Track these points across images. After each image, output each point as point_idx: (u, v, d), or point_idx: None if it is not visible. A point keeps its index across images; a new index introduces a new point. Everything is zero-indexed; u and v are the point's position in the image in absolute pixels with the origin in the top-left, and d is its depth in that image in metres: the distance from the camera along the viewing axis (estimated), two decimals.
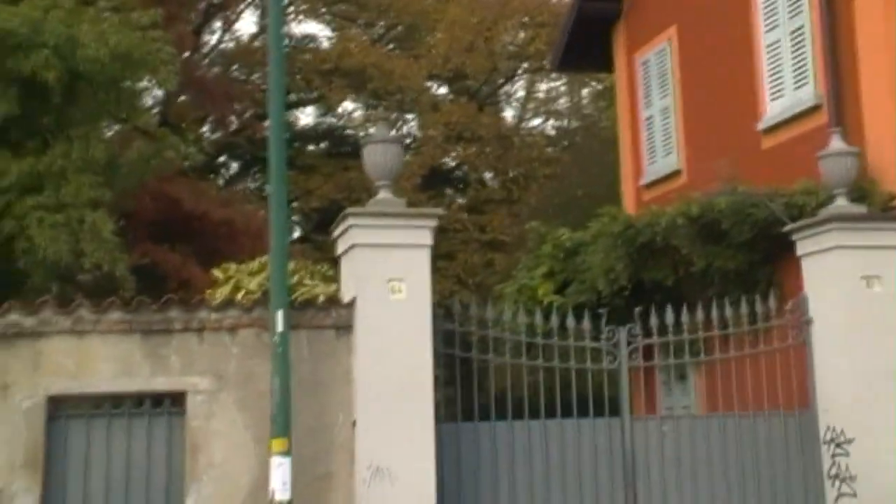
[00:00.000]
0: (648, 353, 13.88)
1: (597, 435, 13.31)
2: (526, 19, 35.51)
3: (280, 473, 11.31)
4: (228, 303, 12.82)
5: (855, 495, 13.28)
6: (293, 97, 34.11)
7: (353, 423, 12.21)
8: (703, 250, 15.39)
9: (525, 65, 37.14)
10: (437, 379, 12.47)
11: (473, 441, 12.90)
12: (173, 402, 12.06)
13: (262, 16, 33.54)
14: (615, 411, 13.48)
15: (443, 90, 37.08)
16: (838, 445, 13.50)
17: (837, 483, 13.49)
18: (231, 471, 11.93)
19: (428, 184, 32.64)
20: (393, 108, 34.81)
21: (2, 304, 11.92)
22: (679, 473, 13.49)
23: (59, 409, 11.77)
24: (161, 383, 12.03)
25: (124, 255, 15.75)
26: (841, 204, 13.87)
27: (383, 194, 12.68)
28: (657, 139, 19.59)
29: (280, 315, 11.64)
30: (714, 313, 13.85)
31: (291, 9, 34.13)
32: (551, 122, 39.20)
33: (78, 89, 15.19)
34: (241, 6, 35.21)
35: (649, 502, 13.33)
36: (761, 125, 16.52)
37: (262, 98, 31.29)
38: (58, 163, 14.41)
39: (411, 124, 35.69)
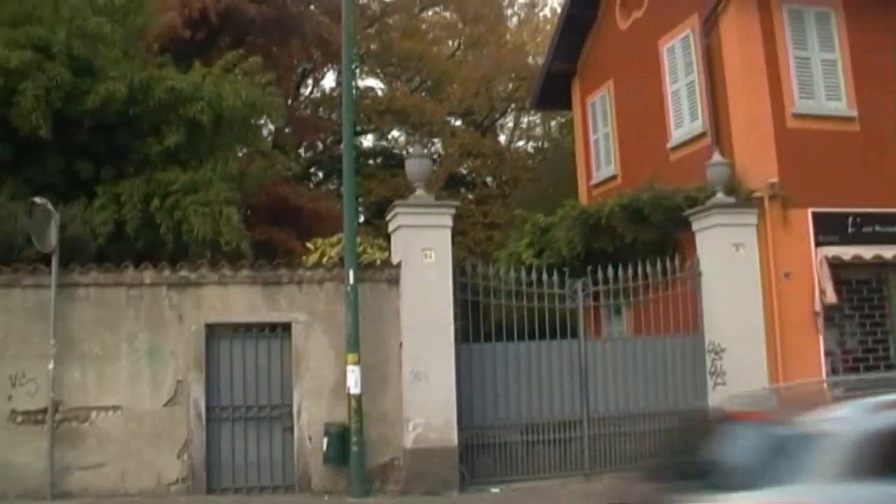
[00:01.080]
0: (596, 297, 14.01)
1: (562, 350, 13.46)
2: (513, 75, 35.36)
3: (353, 376, 11.63)
4: (317, 265, 13.09)
5: (725, 384, 13.47)
6: (358, 128, 34.07)
7: (401, 344, 12.40)
8: (631, 228, 15.26)
9: (513, 105, 36.95)
10: (455, 314, 12.62)
11: (479, 355, 13.03)
12: (283, 329, 12.30)
13: (339, 75, 33.53)
14: (574, 335, 13.62)
15: (458, 122, 36.91)
16: (716, 353, 13.72)
17: (715, 377, 13.73)
18: (321, 373, 12.18)
19: (448, 185, 32.57)
20: (424, 135, 34.65)
21: (175, 264, 12.27)
22: (615, 375, 13.67)
23: (213, 331, 12.09)
24: (275, 317, 12.29)
25: (247, 234, 15.89)
26: (720, 197, 14.00)
27: (419, 192, 12.82)
28: (601, 154, 19.48)
29: (351, 272, 11.92)
30: (639, 270, 14.00)
31: (357, 70, 34.09)
32: (531, 143, 39.01)
33: (222, 126, 15.30)
34: (325, 69, 35.19)
35: (596, 394, 13.48)
36: (669, 145, 16.44)
37: (338, 129, 31.20)
38: (207, 174, 14.52)
39: (437, 145, 35.52)
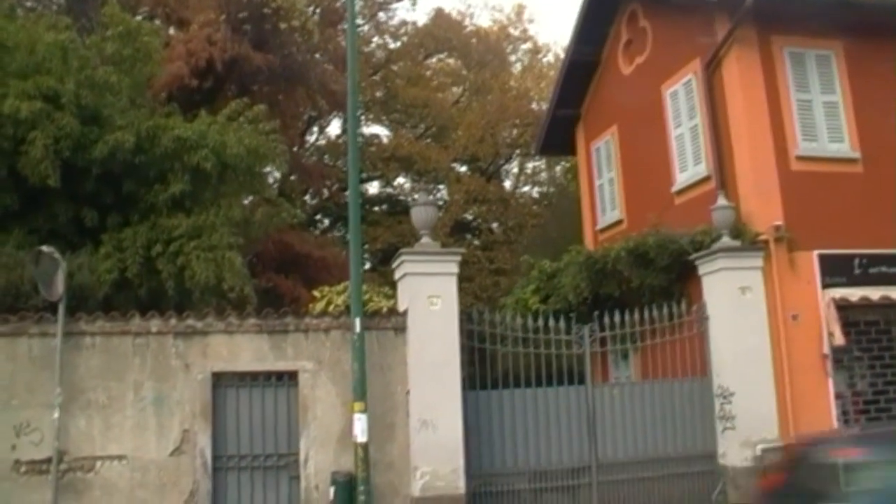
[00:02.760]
0: (603, 342, 13.95)
1: (569, 396, 13.41)
2: (517, 121, 35.55)
3: (360, 424, 11.52)
4: (323, 312, 13.11)
5: (734, 429, 13.43)
6: (364, 175, 34.25)
7: (408, 392, 12.34)
8: (637, 272, 15.24)
9: (518, 150, 37.12)
10: (462, 361, 12.58)
11: (486, 402, 12.99)
12: (289, 377, 12.27)
13: (344, 123, 33.76)
14: (581, 381, 13.55)
15: (463, 168, 37.07)
16: (724, 397, 13.65)
17: (723, 421, 13.65)
18: (327, 422, 12.12)
19: (454, 231, 32.67)
20: (430, 181, 34.84)
21: (180, 311, 12.27)
22: (623, 420, 13.59)
23: (220, 380, 12.05)
24: (282, 365, 12.25)
25: (252, 280, 15.87)
26: (725, 240, 14.01)
27: (425, 239, 12.83)
28: (606, 198, 19.53)
29: (357, 320, 11.87)
30: (646, 314, 13.97)
31: (362, 117, 34.32)
32: (536, 188, 39.14)
33: (226, 174, 15.34)
34: (330, 116, 35.46)
35: (604, 440, 13.39)
36: (674, 188, 16.50)
37: (343, 176, 31.45)
38: (210, 219, 14.52)
39: (442, 192, 35.66)
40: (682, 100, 16.33)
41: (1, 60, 14.24)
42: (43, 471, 11.22)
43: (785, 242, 14.10)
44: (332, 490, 11.65)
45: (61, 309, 11.53)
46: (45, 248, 11.84)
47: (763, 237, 14.11)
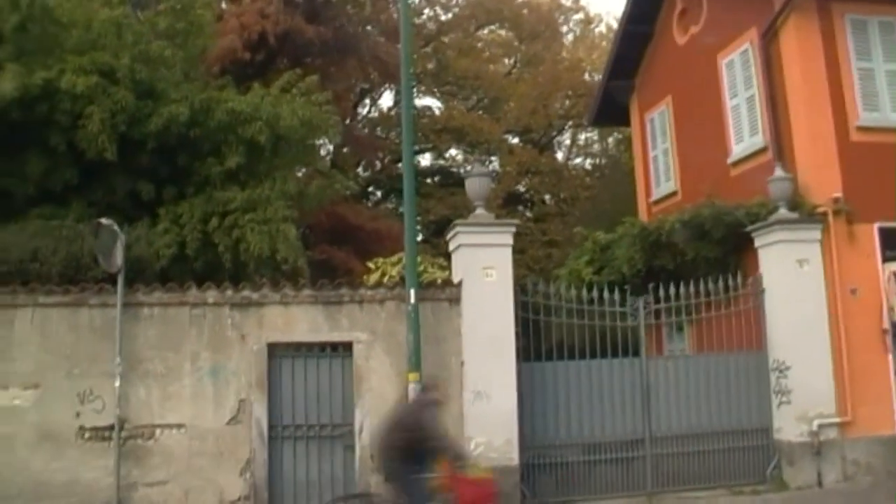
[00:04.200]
0: (658, 314, 13.91)
1: (623, 369, 13.39)
2: (570, 92, 35.28)
3: (414, 395, 11.59)
4: (378, 284, 13.18)
5: (790, 403, 13.33)
6: (416, 147, 34.29)
7: (462, 363, 12.40)
8: (692, 245, 15.11)
9: (570, 122, 36.88)
10: (516, 333, 12.60)
11: (540, 374, 13.00)
12: (344, 348, 12.39)
13: (396, 94, 33.82)
14: (636, 353, 13.52)
15: (515, 140, 36.94)
16: (780, 371, 13.52)
17: (779, 395, 13.53)
18: (382, 392, 12.19)
19: (506, 203, 32.58)
20: (482, 153, 34.75)
21: (237, 284, 12.43)
22: (678, 393, 13.55)
23: (275, 350, 12.21)
24: (336, 336, 12.38)
25: (306, 252, 15.99)
26: (782, 212, 13.83)
27: (479, 210, 12.83)
28: (661, 170, 19.39)
29: (412, 291, 11.94)
30: (700, 287, 13.88)
31: (414, 89, 34.34)
32: (588, 160, 38.90)
33: (280, 146, 15.44)
34: (382, 89, 35.50)
35: (658, 413, 13.38)
36: (730, 160, 16.30)
37: (396, 148, 31.56)
38: (265, 193, 14.65)
39: (494, 163, 35.54)
40: (738, 70, 16.10)
41: (58, 37, 14.44)
42: (105, 437, 11.53)
43: (844, 215, 13.87)
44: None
45: (120, 280, 11.77)
46: (104, 221, 12.06)
47: (821, 209, 13.90)
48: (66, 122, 13.73)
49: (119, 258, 11.79)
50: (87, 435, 11.54)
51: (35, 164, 13.72)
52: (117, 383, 11.51)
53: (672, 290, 13.76)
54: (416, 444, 9.48)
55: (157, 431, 11.75)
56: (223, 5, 27.01)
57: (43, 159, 13.78)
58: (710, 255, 15.11)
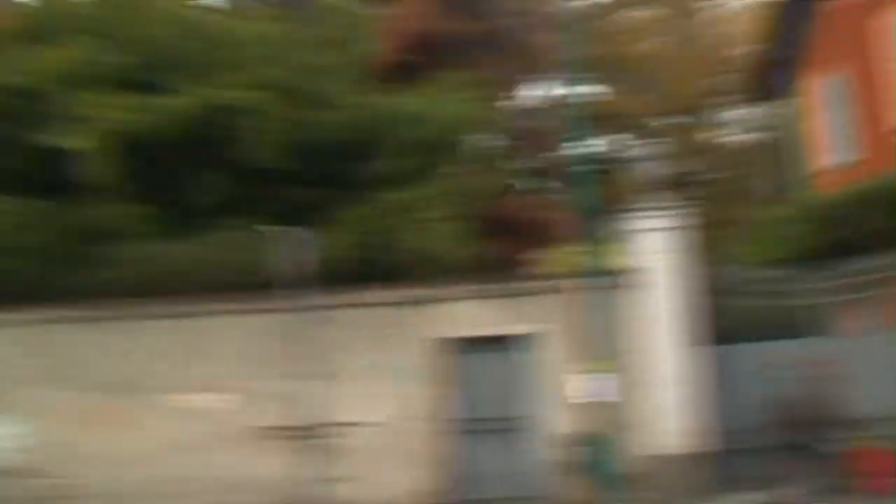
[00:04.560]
0: (843, 290, 13.34)
1: (815, 350, 12.87)
2: (728, 67, 34.27)
3: (597, 384, 11.55)
4: (552, 275, 13.08)
5: None
6: (583, 134, 33.94)
7: (644, 350, 12.23)
8: (876, 216, 14.34)
9: (730, 97, 35.70)
10: (699, 317, 12.36)
11: (727, 357, 12.66)
12: (522, 341, 12.40)
13: (557, 84, 33.53)
14: (823, 332, 13.08)
15: (677, 121, 36.11)
16: None
17: None
18: (561, 383, 12.15)
19: (674, 186, 31.87)
20: (645, 136, 34.15)
21: (412, 283, 12.63)
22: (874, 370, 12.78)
23: (453, 346, 12.41)
24: (513, 329, 12.42)
25: (475, 248, 16.04)
26: None
27: (652, 194, 12.65)
28: (835, 140, 18.57)
29: (591, 280, 11.82)
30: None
31: (578, 77, 34.06)
32: (754, 134, 37.68)
33: (444, 144, 15.59)
34: (541, 79, 35.23)
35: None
36: None
37: (560, 139, 31.27)
38: (433, 191, 14.79)
39: (658, 147, 34.83)
40: None
41: (226, 54, 14.97)
42: (296, 436, 11.94)
43: None
44: (570, 451, 11.73)
45: (306, 285, 12.15)
46: (287, 228, 12.48)
47: None
48: (238, 135, 14.23)
49: (303, 264, 12.19)
50: (276, 434, 11.98)
51: (213, 179, 14.28)
52: (304, 384, 11.89)
53: (860, 264, 13.14)
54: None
55: (344, 429, 12.04)
56: (382, 10, 27.42)
57: (220, 174, 14.32)
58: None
